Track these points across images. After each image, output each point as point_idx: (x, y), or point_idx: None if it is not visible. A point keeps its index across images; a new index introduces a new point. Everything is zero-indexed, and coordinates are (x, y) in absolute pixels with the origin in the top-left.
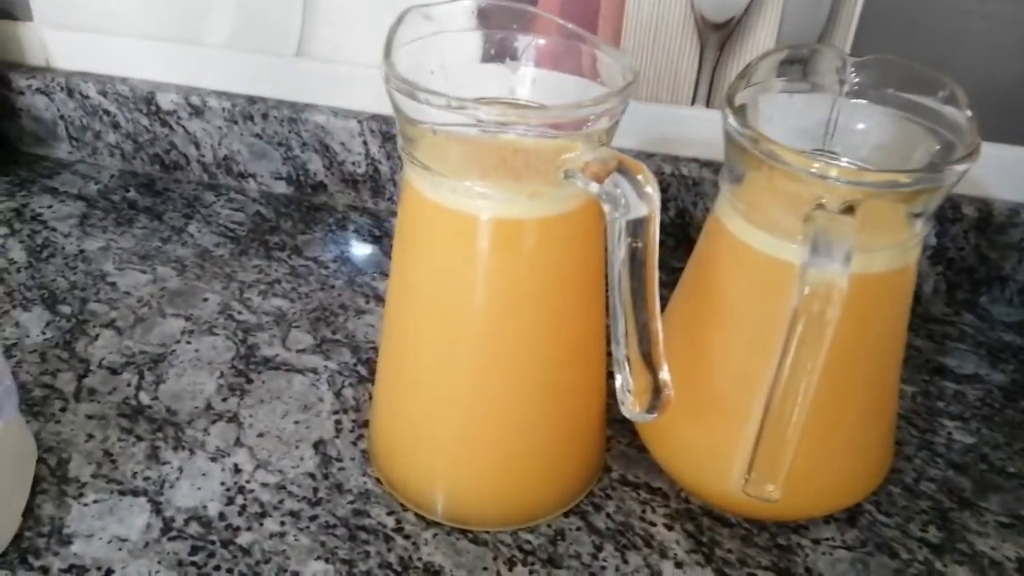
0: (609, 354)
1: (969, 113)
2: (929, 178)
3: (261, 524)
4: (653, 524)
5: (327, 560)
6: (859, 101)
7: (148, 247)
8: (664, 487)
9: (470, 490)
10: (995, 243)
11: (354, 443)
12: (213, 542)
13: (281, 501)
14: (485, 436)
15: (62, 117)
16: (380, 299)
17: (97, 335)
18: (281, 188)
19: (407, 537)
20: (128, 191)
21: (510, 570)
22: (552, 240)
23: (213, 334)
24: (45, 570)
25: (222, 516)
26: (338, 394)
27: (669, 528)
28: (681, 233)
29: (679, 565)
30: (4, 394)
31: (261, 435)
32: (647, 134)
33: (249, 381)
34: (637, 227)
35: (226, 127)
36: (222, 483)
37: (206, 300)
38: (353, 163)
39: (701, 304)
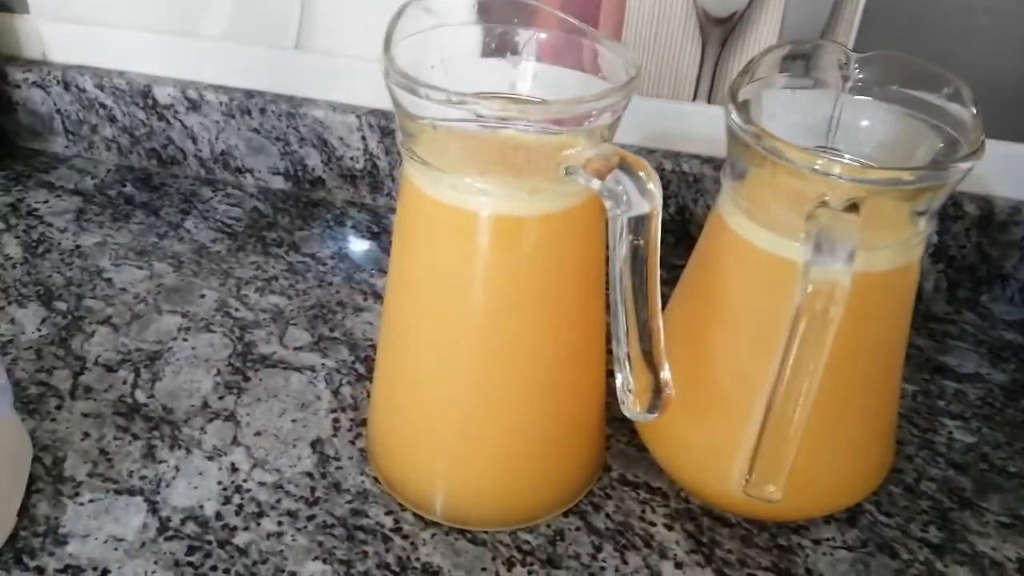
0: (609, 352)
1: (974, 110)
2: (933, 176)
3: (258, 524)
4: (653, 524)
5: (325, 560)
6: (862, 97)
7: (145, 243)
8: (664, 487)
9: (469, 489)
10: (996, 241)
11: (352, 442)
12: (210, 542)
13: (278, 500)
14: (484, 435)
15: (58, 111)
16: (378, 296)
17: (93, 332)
18: (279, 183)
19: (405, 537)
20: (125, 186)
21: (509, 570)
22: (553, 237)
23: (210, 331)
24: (40, 570)
25: (219, 516)
26: (336, 392)
27: (669, 528)
28: (681, 230)
29: (679, 566)
30: None
31: (258, 434)
32: (648, 130)
33: (246, 379)
34: (639, 224)
35: (223, 121)
36: (219, 482)
37: (203, 297)
38: (351, 158)
39: (702, 302)
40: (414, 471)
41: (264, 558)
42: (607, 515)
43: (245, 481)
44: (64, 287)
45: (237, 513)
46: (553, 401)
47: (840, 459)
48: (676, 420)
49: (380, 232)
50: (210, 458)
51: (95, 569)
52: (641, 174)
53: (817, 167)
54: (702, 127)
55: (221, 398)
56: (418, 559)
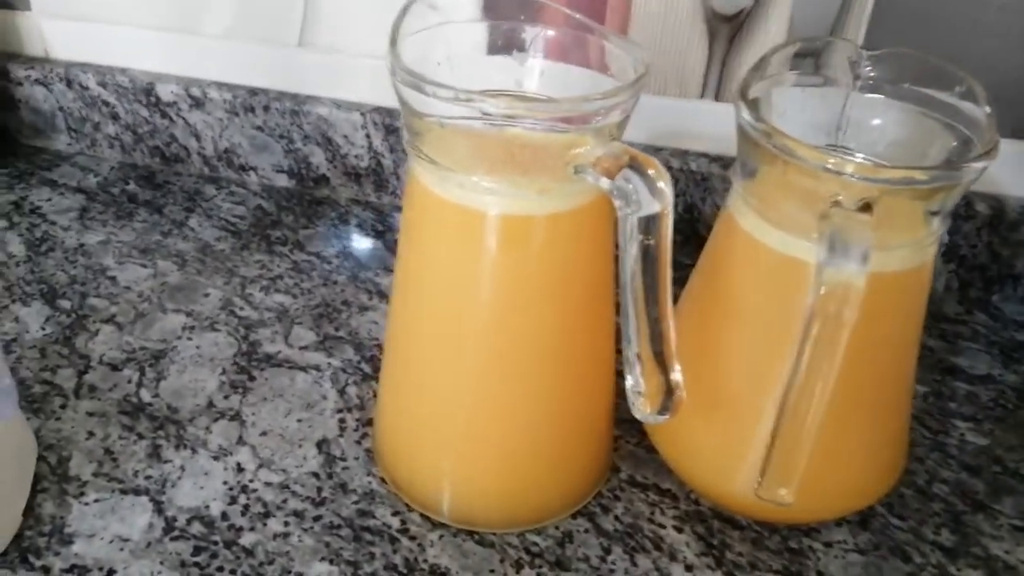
0: (618, 352)
1: (988, 109)
2: (947, 176)
3: (264, 524)
4: (662, 526)
5: (331, 561)
6: (873, 96)
7: (148, 241)
8: (673, 488)
9: (476, 490)
10: (1008, 240)
11: (358, 442)
12: (216, 543)
13: (284, 501)
14: (492, 435)
15: (61, 108)
16: (383, 295)
17: (97, 331)
18: (283, 181)
19: (412, 538)
20: (128, 184)
21: (517, 572)
22: (561, 237)
23: (215, 330)
24: (46, 570)
25: (225, 516)
26: (342, 392)
27: (679, 530)
28: (689, 229)
29: (689, 568)
30: (3, 394)
31: (264, 433)
32: (654, 128)
33: (251, 378)
34: (650, 224)
35: (227, 119)
36: (224, 482)
37: (207, 295)
38: (356, 156)
39: (712, 302)
40: (421, 472)
41: (271, 559)
42: (616, 517)
43: (251, 481)
44: (68, 285)
45: (243, 513)
46: (561, 401)
47: (852, 461)
48: (686, 421)
49: (385, 230)
50: (216, 458)
51: (101, 569)
52: (651, 172)
53: (829, 166)
54: (709, 125)
55: (226, 397)
56: (425, 560)
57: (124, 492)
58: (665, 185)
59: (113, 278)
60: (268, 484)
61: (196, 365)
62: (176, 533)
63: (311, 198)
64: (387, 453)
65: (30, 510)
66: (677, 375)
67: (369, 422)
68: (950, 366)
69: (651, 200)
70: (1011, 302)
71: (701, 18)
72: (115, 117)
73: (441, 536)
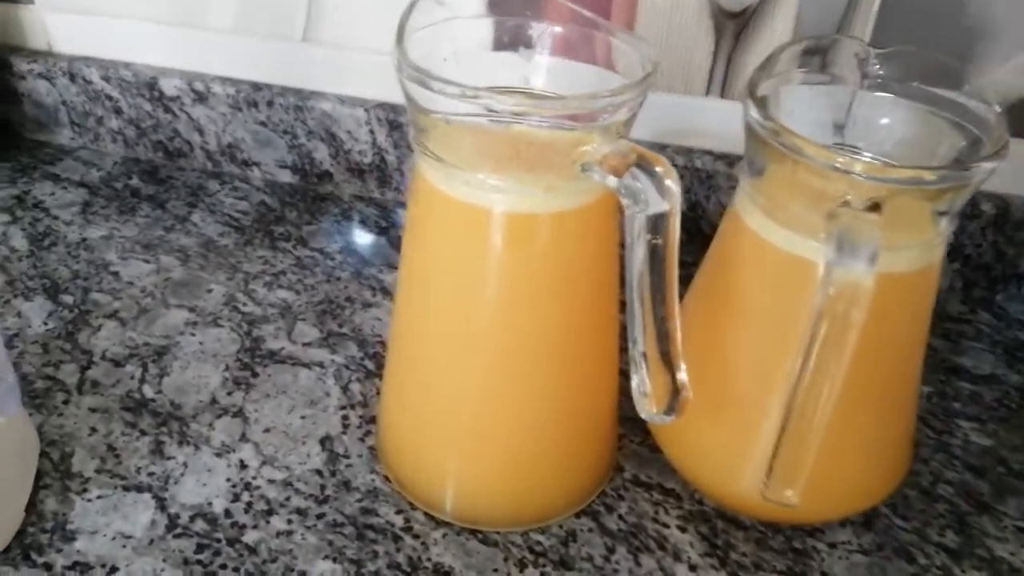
0: (623, 351)
1: (998, 109)
2: (955, 176)
3: (267, 522)
4: (666, 526)
5: (335, 560)
6: (881, 94)
7: (151, 236)
8: (677, 488)
9: (481, 489)
10: (1013, 240)
11: (362, 439)
12: (219, 540)
13: (288, 498)
14: (496, 434)
15: (64, 102)
16: (387, 292)
17: (100, 326)
18: (286, 177)
19: (416, 537)
20: (131, 178)
21: (521, 572)
22: (568, 235)
23: (218, 326)
24: (48, 567)
25: (228, 513)
26: (345, 389)
27: (683, 530)
28: (694, 227)
29: (693, 568)
30: (7, 391)
31: (267, 430)
32: (660, 125)
33: (255, 375)
34: (657, 223)
35: (230, 114)
36: (228, 479)
37: (210, 291)
38: (360, 152)
39: (718, 301)
40: (425, 470)
41: (274, 557)
42: (620, 516)
43: (254, 478)
44: (70, 280)
45: (246, 511)
46: (565, 400)
47: (858, 461)
48: (691, 421)
49: (388, 227)
50: (219, 455)
51: (103, 566)
52: (659, 171)
53: (838, 165)
54: (715, 122)
55: (229, 394)
56: (429, 559)
57: (127, 489)
58: (673, 183)
59: (116, 273)
60: (271, 481)
61: (199, 361)
62: (179, 530)
63: (315, 194)
64: (391, 451)
65: (32, 506)
66: (683, 375)
67: (372, 419)
68: (954, 366)
69: (659, 199)
70: (1015, 301)
71: (707, 15)
72: (118, 111)
73: (445, 535)
